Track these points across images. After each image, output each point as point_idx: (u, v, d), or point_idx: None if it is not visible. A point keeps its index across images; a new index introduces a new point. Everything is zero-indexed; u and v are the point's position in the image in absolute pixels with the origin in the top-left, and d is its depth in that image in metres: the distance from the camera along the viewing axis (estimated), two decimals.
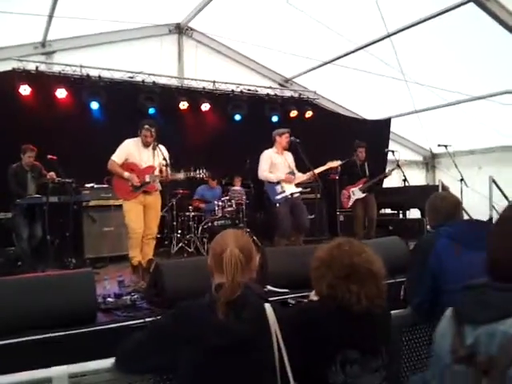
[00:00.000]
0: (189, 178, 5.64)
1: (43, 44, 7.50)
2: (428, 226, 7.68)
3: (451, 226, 2.25)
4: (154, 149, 5.21)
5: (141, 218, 5.13)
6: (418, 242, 2.57)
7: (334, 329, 1.69)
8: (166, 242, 6.95)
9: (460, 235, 2.18)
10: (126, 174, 5.08)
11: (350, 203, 7.27)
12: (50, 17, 6.67)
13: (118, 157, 5.15)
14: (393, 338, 2.22)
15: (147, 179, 5.13)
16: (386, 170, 7.10)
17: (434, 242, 2.22)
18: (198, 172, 5.56)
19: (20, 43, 7.26)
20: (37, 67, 7.09)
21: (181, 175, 5.42)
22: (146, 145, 5.21)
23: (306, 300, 1.92)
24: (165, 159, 5.17)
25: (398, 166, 6.61)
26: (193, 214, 7.37)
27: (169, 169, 5.19)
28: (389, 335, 1.86)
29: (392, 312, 2.33)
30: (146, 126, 5.13)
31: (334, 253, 1.76)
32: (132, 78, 7.84)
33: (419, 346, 2.46)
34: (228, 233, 1.85)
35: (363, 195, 7.13)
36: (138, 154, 5.20)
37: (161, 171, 5.22)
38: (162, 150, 5.28)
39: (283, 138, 6.12)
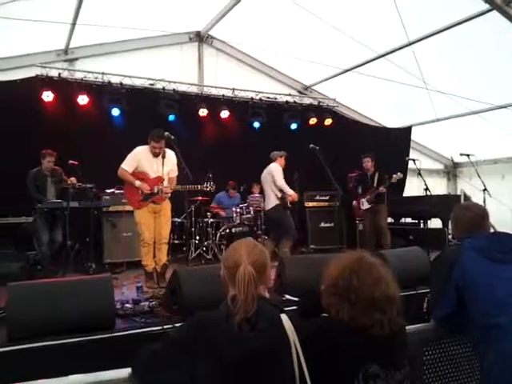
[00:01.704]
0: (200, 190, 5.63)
1: (66, 51, 7.64)
2: (450, 236, 7.65)
3: (477, 238, 2.19)
4: (163, 157, 5.23)
5: (152, 227, 5.18)
6: (441, 254, 2.50)
7: (356, 345, 1.66)
8: (184, 248, 6.95)
9: (487, 248, 2.12)
10: (137, 183, 5.12)
11: (360, 214, 7.49)
12: (73, 24, 6.79)
13: (127, 165, 5.18)
14: (415, 353, 2.18)
15: (155, 190, 5.16)
16: (392, 177, 7.00)
17: (459, 254, 2.16)
18: (205, 185, 5.55)
19: (43, 50, 7.40)
20: (59, 74, 7.21)
21: (187, 188, 5.38)
22: (154, 155, 5.23)
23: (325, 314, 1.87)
24: (181, 168, 5.22)
25: (420, 175, 6.51)
26: (211, 220, 7.38)
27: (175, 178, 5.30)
28: (407, 346, 1.82)
29: (415, 326, 2.29)
30: (155, 139, 5.12)
31: (353, 282, 1.69)
32: (153, 85, 7.92)
33: (442, 361, 2.39)
34: (240, 246, 1.80)
35: (369, 206, 7.21)
36: (147, 162, 5.22)
37: (169, 180, 5.27)
38: (171, 158, 5.30)
39: (282, 160, 6.73)
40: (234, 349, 1.55)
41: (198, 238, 7.31)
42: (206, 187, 5.51)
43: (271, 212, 6.65)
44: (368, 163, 7.25)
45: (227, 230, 7.21)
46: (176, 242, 7.03)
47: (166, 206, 5.34)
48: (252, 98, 8.81)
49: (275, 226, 6.72)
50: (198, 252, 7.07)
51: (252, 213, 7.46)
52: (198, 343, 1.60)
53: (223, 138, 8.39)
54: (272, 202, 6.56)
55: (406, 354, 1.77)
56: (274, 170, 6.55)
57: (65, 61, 7.69)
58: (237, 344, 1.56)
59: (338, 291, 1.71)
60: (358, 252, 1.82)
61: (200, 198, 7.26)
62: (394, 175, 7.00)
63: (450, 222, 8.01)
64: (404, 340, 1.80)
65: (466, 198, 8.77)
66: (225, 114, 8.46)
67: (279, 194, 6.51)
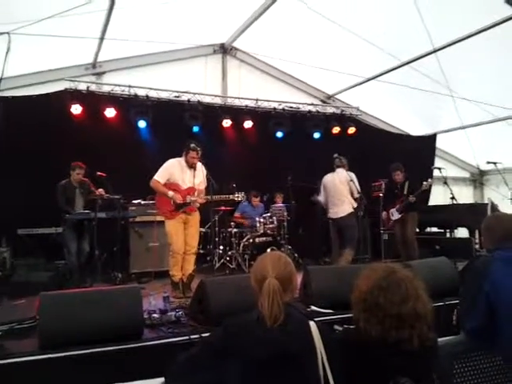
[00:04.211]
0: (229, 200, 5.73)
1: (94, 65, 7.84)
2: (477, 246, 7.50)
3: (509, 249, 2.16)
4: (194, 169, 5.34)
5: (182, 238, 5.25)
6: (471, 265, 2.48)
7: (384, 359, 1.67)
8: (209, 258, 7.00)
9: None
10: (170, 194, 5.21)
11: (390, 224, 7.28)
12: (101, 39, 6.97)
13: (161, 177, 5.28)
14: (444, 366, 2.15)
15: (188, 200, 5.25)
16: (423, 184, 6.82)
17: (489, 266, 2.13)
18: (236, 195, 5.66)
19: (72, 64, 7.61)
20: (88, 87, 7.39)
21: (220, 197, 5.50)
22: (190, 166, 5.32)
23: (352, 326, 1.88)
24: (206, 178, 5.31)
25: (446, 184, 6.42)
26: (234, 230, 7.41)
27: (204, 190, 5.39)
28: (437, 359, 1.83)
29: (444, 338, 2.26)
30: (193, 146, 5.25)
31: (380, 300, 1.70)
32: (178, 97, 8.03)
33: (472, 375, 2.35)
34: (266, 258, 1.90)
35: (399, 216, 7.03)
36: (180, 174, 5.33)
37: (199, 192, 5.35)
38: (202, 169, 5.39)
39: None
40: (264, 348, 1.64)
41: (221, 247, 7.35)
42: (237, 197, 5.64)
43: (346, 219, 6.45)
44: (398, 176, 7.06)
45: (250, 240, 7.23)
46: (201, 251, 7.10)
47: (196, 216, 5.43)
48: (275, 108, 8.85)
49: (347, 234, 6.49)
50: (221, 261, 7.11)
51: (275, 222, 7.47)
52: (231, 345, 1.68)
53: (247, 148, 8.44)
54: (346, 209, 6.43)
55: (437, 368, 1.76)
56: (355, 178, 6.48)
57: (93, 74, 7.89)
58: (267, 344, 1.65)
59: (367, 307, 1.73)
60: (389, 265, 1.83)
61: (223, 207, 7.32)
62: (424, 182, 6.77)
63: (477, 232, 7.94)
64: (435, 354, 1.79)
65: (493, 206, 8.59)
66: (248, 124, 8.51)
67: (354, 202, 6.47)
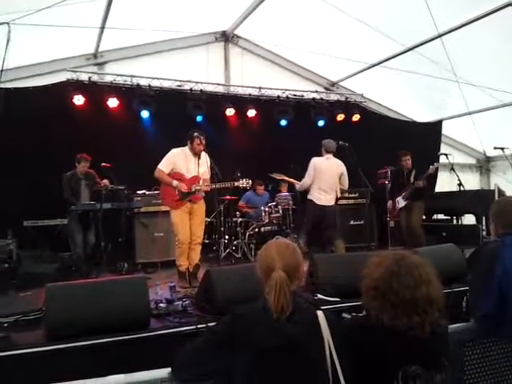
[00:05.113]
0: (234, 187, 5.68)
1: (95, 55, 7.79)
2: (484, 233, 7.45)
3: None
4: (199, 158, 5.30)
5: (187, 228, 5.22)
6: (480, 251, 2.44)
7: (395, 346, 1.66)
8: (215, 248, 6.99)
9: None
10: (175, 183, 5.17)
11: (396, 213, 7.27)
12: (102, 28, 6.91)
13: (165, 166, 5.25)
14: (455, 353, 2.13)
15: (192, 189, 5.22)
16: (429, 168, 6.77)
17: (499, 251, 2.09)
18: (242, 181, 5.61)
19: (73, 55, 7.56)
20: (89, 78, 7.33)
21: (225, 185, 5.45)
22: (195, 153, 5.28)
23: (361, 314, 1.86)
24: (210, 167, 5.27)
25: (453, 170, 6.36)
26: (240, 219, 7.39)
27: (208, 179, 5.34)
28: (448, 346, 1.81)
29: (454, 326, 2.24)
30: (196, 134, 5.22)
31: (394, 285, 1.68)
32: (180, 86, 7.97)
33: (483, 362, 2.33)
34: (272, 248, 1.85)
35: (405, 203, 7.00)
36: (184, 163, 5.30)
37: (203, 181, 5.31)
38: (206, 158, 5.35)
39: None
40: (271, 336, 1.63)
41: (227, 237, 7.34)
42: (243, 183, 5.59)
43: (334, 207, 6.28)
44: (408, 161, 7.04)
45: (256, 229, 7.22)
46: (206, 241, 7.08)
47: (201, 206, 5.40)
48: (278, 96, 8.77)
49: (335, 223, 6.35)
50: (227, 251, 7.10)
51: (281, 212, 7.44)
52: (237, 334, 1.67)
53: (251, 136, 8.38)
54: (334, 197, 6.25)
55: (447, 355, 1.74)
56: (345, 170, 6.27)
57: (94, 65, 7.84)
58: (274, 332, 1.64)
59: (379, 294, 1.70)
60: (398, 251, 1.80)
61: (228, 197, 7.29)
62: (431, 166, 6.75)
63: (484, 218, 7.88)
64: (445, 341, 1.77)
65: (501, 192, 8.53)
66: (252, 112, 8.45)
67: (338, 191, 6.31)
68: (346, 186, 6.33)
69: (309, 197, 6.25)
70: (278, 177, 6.91)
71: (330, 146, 6.31)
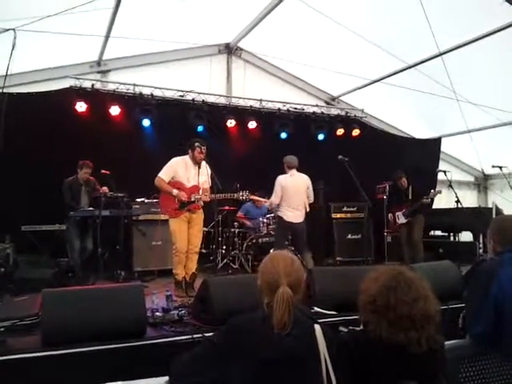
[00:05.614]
0: (233, 199, 5.70)
1: (99, 63, 7.84)
2: (481, 250, 7.48)
3: None
4: (199, 167, 5.33)
5: (185, 236, 5.24)
6: (476, 269, 2.46)
7: (392, 361, 1.66)
8: (212, 258, 6.99)
9: None
10: (175, 192, 5.20)
11: (396, 226, 7.37)
12: (106, 37, 6.98)
13: (165, 175, 5.28)
14: (451, 370, 2.13)
15: (192, 199, 5.24)
16: (430, 193, 6.89)
17: (496, 269, 2.11)
18: (241, 194, 5.63)
19: (77, 62, 7.61)
20: (92, 85, 7.38)
21: (224, 196, 5.47)
22: (196, 162, 5.31)
23: (358, 328, 1.86)
24: (210, 177, 5.31)
25: (451, 187, 6.40)
26: (238, 230, 7.40)
27: (208, 189, 5.36)
28: (445, 363, 1.81)
29: (449, 342, 2.24)
30: (197, 144, 5.25)
31: (391, 300, 1.68)
32: (182, 96, 8.02)
33: (479, 379, 2.33)
34: (278, 261, 1.84)
35: (406, 220, 7.12)
36: (184, 172, 5.33)
37: (203, 191, 5.34)
38: (207, 168, 5.38)
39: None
40: (269, 348, 1.63)
41: (224, 247, 7.33)
42: (242, 195, 5.61)
43: (303, 224, 6.27)
44: (404, 182, 7.17)
45: (254, 241, 7.22)
46: (203, 251, 7.08)
47: (200, 216, 5.42)
48: (279, 109, 8.83)
49: (303, 238, 6.31)
50: (224, 261, 7.10)
51: None
52: (235, 345, 1.67)
53: (251, 148, 8.41)
54: (303, 214, 6.26)
55: (444, 372, 1.75)
56: (310, 183, 6.31)
57: (98, 72, 7.89)
58: (272, 344, 1.64)
59: (376, 309, 1.71)
60: (396, 267, 1.81)
61: (227, 207, 7.30)
62: (432, 191, 6.92)
63: (481, 236, 7.90)
64: (442, 357, 1.77)
65: (498, 210, 8.57)
66: (252, 124, 8.50)
67: (307, 206, 6.32)
68: (311, 198, 6.31)
69: (278, 213, 6.30)
70: (251, 196, 6.79)
71: (291, 162, 6.28)
